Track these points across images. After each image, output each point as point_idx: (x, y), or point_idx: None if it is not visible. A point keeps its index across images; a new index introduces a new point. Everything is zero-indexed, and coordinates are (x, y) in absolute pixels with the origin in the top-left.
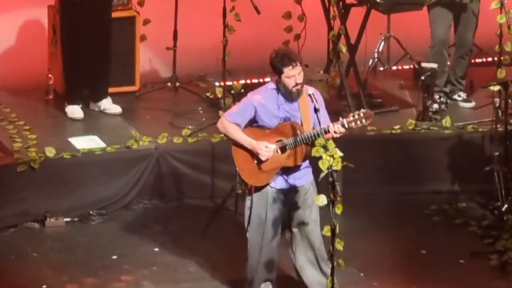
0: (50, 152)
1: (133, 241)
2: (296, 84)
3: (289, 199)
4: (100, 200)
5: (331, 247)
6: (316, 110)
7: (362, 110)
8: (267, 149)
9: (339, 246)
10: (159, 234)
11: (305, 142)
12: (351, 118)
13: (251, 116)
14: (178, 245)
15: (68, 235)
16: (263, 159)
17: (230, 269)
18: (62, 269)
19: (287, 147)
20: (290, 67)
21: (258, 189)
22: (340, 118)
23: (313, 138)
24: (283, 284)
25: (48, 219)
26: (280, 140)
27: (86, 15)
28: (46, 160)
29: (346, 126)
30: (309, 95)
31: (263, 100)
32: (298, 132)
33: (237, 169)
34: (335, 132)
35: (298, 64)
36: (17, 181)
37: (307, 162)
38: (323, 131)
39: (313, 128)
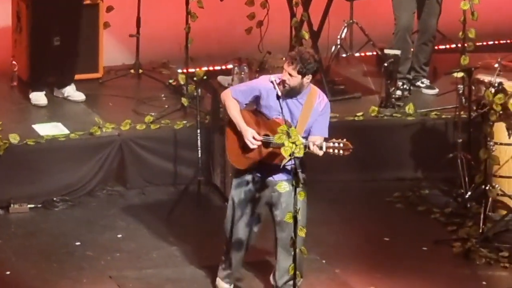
0: (14, 138)
1: (97, 227)
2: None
3: (265, 190)
4: (63, 187)
5: (293, 234)
6: (278, 97)
7: (344, 140)
8: (252, 139)
9: (301, 233)
10: (123, 221)
11: None
12: (331, 145)
13: (254, 99)
14: (141, 232)
15: (32, 221)
16: (248, 145)
17: (193, 255)
18: (26, 255)
19: (270, 144)
20: (286, 63)
21: (239, 173)
22: (318, 140)
23: None
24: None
25: (12, 205)
26: (267, 135)
27: (55, 1)
28: (10, 147)
29: (324, 149)
30: (271, 81)
31: (270, 90)
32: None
33: (226, 144)
34: (314, 153)
35: (292, 66)
36: None
37: (288, 167)
38: (304, 146)
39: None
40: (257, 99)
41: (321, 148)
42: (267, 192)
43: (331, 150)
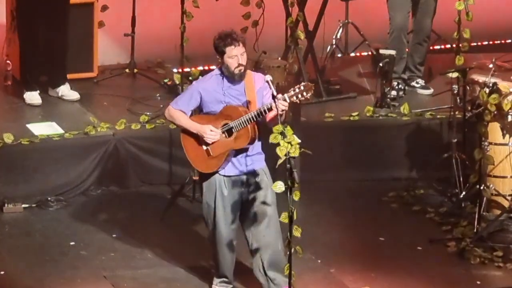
0: (8, 138)
1: (91, 227)
2: (239, 65)
3: (241, 186)
4: (58, 186)
5: (288, 233)
6: (274, 97)
7: (302, 83)
8: (212, 132)
9: (297, 232)
10: (117, 221)
11: (250, 122)
12: (292, 93)
13: (197, 102)
14: (136, 232)
15: (26, 221)
16: (209, 141)
17: (188, 255)
18: (20, 254)
19: (233, 129)
20: (232, 46)
21: (207, 176)
22: (280, 95)
23: (257, 117)
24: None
25: (6, 204)
26: (226, 124)
27: (43, 1)
28: (4, 146)
29: (288, 100)
30: (267, 81)
31: (208, 86)
32: (243, 113)
33: (187, 156)
34: (279, 108)
35: (241, 45)
36: None
37: (258, 148)
38: (265, 108)
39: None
40: (199, 103)
41: (284, 100)
42: (238, 189)
43: (295, 98)
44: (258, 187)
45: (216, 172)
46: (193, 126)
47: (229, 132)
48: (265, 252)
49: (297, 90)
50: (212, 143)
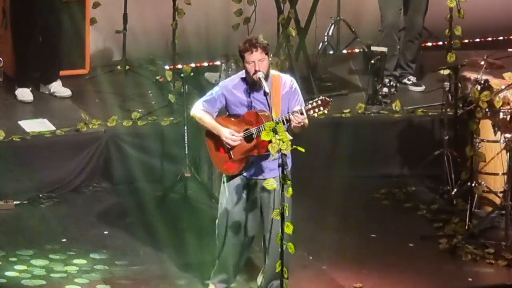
0: (0, 135)
1: (83, 224)
2: (256, 71)
3: (261, 191)
4: (50, 183)
5: (280, 230)
6: (265, 94)
7: (320, 97)
8: (232, 136)
9: (288, 229)
10: (109, 217)
11: None
12: (309, 106)
13: (222, 104)
14: (128, 228)
15: (17, 218)
16: (230, 145)
17: (180, 252)
18: (12, 251)
19: (253, 135)
20: (249, 52)
21: (229, 178)
22: (298, 107)
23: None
24: None
25: None
26: (247, 129)
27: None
28: None
29: (305, 113)
30: (258, 78)
31: (233, 89)
32: (264, 120)
33: (210, 157)
34: (298, 121)
35: (260, 50)
36: None
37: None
38: (284, 119)
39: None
40: (225, 104)
41: (302, 113)
42: (257, 194)
43: (311, 112)
44: (270, 197)
45: (238, 175)
46: (215, 128)
47: (250, 137)
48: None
49: (314, 104)
50: (234, 146)
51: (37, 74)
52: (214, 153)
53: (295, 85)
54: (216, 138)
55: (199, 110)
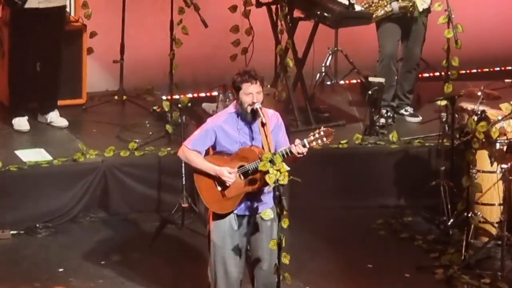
0: None
1: (80, 254)
2: (252, 103)
3: (251, 225)
4: (46, 213)
5: (277, 260)
6: (263, 124)
7: (322, 128)
8: (230, 174)
9: (285, 259)
10: (106, 247)
11: None
12: (312, 138)
13: (212, 142)
14: (124, 259)
15: (14, 248)
16: (228, 184)
17: (176, 283)
18: (8, 281)
19: (249, 171)
20: (249, 83)
21: (219, 216)
22: (297, 140)
23: None
24: None
25: None
26: (242, 166)
27: (37, 27)
28: None
29: (307, 145)
30: (257, 108)
31: (223, 125)
32: (259, 155)
33: (199, 195)
34: (298, 153)
35: (258, 83)
36: None
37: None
38: (284, 153)
39: (275, 151)
40: (214, 141)
41: (304, 145)
42: (249, 227)
43: (314, 143)
44: (267, 227)
45: (232, 212)
46: (210, 168)
47: (245, 174)
48: None
49: (317, 136)
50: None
51: (35, 104)
52: (206, 193)
53: (280, 120)
54: (207, 177)
55: (188, 151)
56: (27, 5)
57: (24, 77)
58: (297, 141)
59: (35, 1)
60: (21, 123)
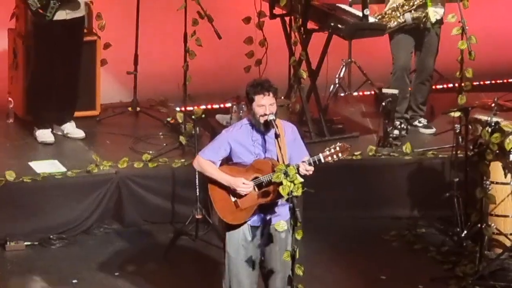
0: (10, 175)
1: (93, 265)
2: (264, 114)
3: (265, 236)
4: (60, 224)
5: (291, 272)
6: (276, 136)
7: (338, 144)
8: (245, 185)
9: (299, 271)
10: (119, 259)
11: None
12: (327, 153)
13: (226, 153)
14: (138, 270)
15: (28, 259)
16: (242, 194)
17: None
18: None
19: (262, 184)
20: (261, 95)
21: (233, 226)
22: (306, 157)
23: None
24: None
25: (8, 242)
26: (257, 177)
27: (64, 38)
28: (6, 184)
29: (323, 160)
30: (270, 120)
31: (238, 137)
32: (273, 168)
33: (213, 207)
34: (306, 170)
35: (271, 95)
36: None
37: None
38: (296, 168)
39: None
40: (229, 153)
41: (319, 160)
42: (263, 241)
43: (330, 158)
44: (281, 239)
45: (245, 222)
46: (224, 178)
47: (259, 186)
48: None
49: (332, 151)
50: (242, 195)
51: (53, 115)
52: (219, 203)
53: (296, 131)
54: (221, 188)
55: (203, 160)
56: (55, 17)
57: (47, 88)
58: (306, 158)
59: (63, 13)
60: (44, 135)
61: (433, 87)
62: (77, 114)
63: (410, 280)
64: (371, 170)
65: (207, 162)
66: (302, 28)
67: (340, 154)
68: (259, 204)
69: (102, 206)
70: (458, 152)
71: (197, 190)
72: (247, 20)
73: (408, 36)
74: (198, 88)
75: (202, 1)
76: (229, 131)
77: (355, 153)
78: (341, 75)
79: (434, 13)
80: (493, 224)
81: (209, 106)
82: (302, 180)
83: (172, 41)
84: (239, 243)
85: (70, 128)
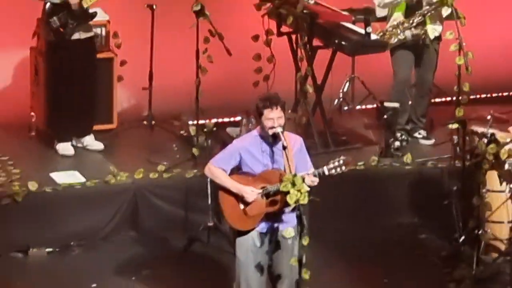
0: (33, 186)
1: (112, 270)
2: (273, 127)
3: (273, 243)
4: (80, 232)
5: (298, 276)
6: (284, 147)
7: (341, 157)
8: (252, 192)
9: (306, 275)
10: (136, 264)
11: None
12: (331, 165)
13: (236, 162)
14: (154, 275)
15: (50, 265)
16: (250, 200)
17: None
18: None
19: (270, 193)
20: (270, 109)
21: (242, 233)
22: (313, 169)
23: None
24: None
25: (30, 249)
26: (264, 187)
27: (73, 56)
28: (29, 194)
29: (327, 173)
30: (278, 132)
31: (248, 147)
32: (281, 178)
33: (223, 213)
34: (312, 181)
35: (279, 109)
36: (1, 213)
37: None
38: (302, 179)
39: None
40: (239, 162)
41: (323, 172)
42: (271, 247)
43: (333, 171)
44: (288, 245)
45: (253, 229)
46: (234, 185)
47: (266, 195)
48: None
49: (336, 164)
50: (250, 203)
51: (72, 129)
52: (228, 210)
53: (303, 144)
54: (231, 195)
55: (214, 168)
56: (73, 37)
57: (66, 103)
58: (311, 170)
59: (77, 34)
60: (65, 148)
61: (432, 100)
62: (95, 127)
63: (411, 283)
64: (373, 180)
65: (218, 169)
66: (308, 45)
67: (343, 167)
68: (267, 212)
69: (120, 215)
70: (456, 162)
71: (209, 199)
72: (256, 38)
73: (408, 52)
74: (209, 102)
75: (213, 19)
76: (240, 141)
77: (359, 163)
78: (345, 89)
79: (433, 30)
80: (489, 230)
81: (220, 120)
82: (308, 189)
83: (185, 58)
84: (249, 248)
85: (90, 141)
